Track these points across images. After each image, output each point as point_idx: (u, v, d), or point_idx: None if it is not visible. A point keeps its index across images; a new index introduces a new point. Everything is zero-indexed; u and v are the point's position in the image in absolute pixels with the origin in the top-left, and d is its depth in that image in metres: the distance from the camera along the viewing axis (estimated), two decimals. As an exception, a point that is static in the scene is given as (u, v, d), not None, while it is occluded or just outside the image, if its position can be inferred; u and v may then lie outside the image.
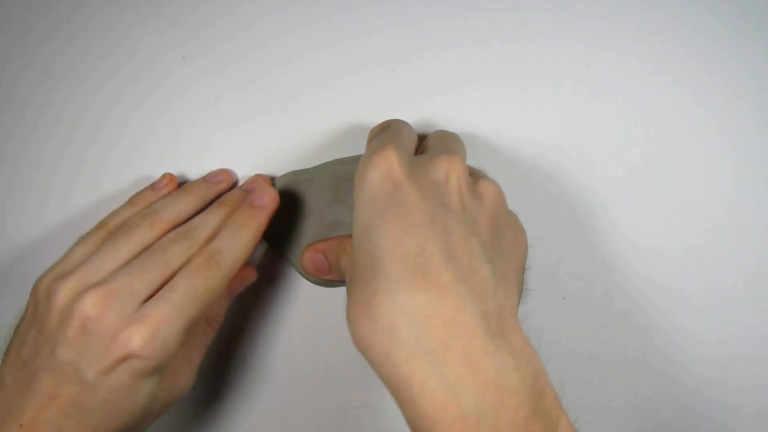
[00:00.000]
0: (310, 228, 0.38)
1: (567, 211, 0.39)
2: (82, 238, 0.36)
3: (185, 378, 0.35)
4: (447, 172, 0.29)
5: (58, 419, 0.31)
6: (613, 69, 0.39)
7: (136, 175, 0.40)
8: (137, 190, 0.40)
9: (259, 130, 0.40)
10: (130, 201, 0.38)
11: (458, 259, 0.27)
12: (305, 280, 0.40)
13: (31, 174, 0.41)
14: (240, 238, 0.34)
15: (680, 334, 0.40)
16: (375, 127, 0.35)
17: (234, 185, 0.40)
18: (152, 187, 0.39)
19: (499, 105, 0.39)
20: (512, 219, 0.32)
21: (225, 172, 0.40)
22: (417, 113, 0.39)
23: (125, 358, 0.30)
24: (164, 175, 0.39)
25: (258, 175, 0.39)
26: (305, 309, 0.40)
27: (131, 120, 0.40)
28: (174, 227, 0.35)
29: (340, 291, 0.40)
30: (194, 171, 0.40)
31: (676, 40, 0.39)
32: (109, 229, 0.36)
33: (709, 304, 0.39)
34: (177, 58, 0.40)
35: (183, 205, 0.36)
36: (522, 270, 0.31)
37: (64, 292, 0.31)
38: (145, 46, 0.40)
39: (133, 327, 0.30)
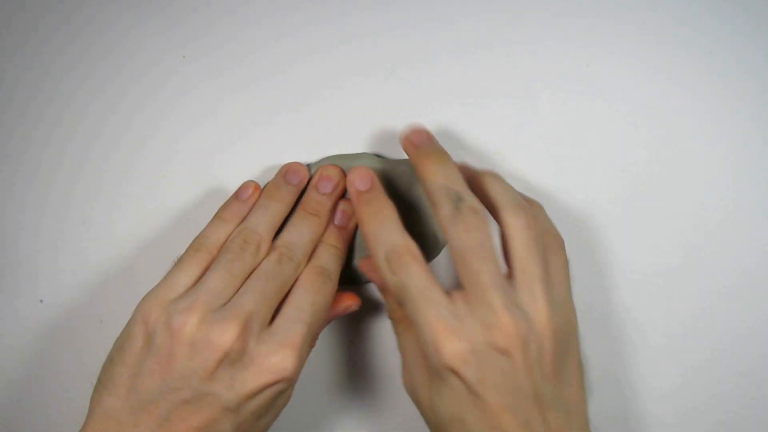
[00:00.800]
0: None
1: (567, 211, 0.39)
2: (181, 261, 0.35)
3: (287, 396, 0.36)
4: (506, 349, 0.31)
5: None
6: (614, 69, 0.39)
7: (138, 176, 0.40)
8: (139, 193, 0.40)
9: (261, 131, 0.40)
10: (220, 216, 0.37)
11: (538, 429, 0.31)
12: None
13: (32, 175, 0.41)
14: (337, 255, 0.36)
15: (681, 333, 0.40)
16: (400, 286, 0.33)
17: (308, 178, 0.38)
18: (237, 198, 0.38)
19: (498, 104, 0.39)
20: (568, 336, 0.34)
21: (301, 168, 0.38)
22: (416, 114, 0.39)
23: (274, 383, 0.32)
24: (247, 184, 0.38)
25: (331, 169, 0.38)
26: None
27: (133, 121, 0.40)
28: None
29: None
30: (196, 171, 0.40)
31: (676, 41, 0.39)
32: (210, 251, 0.35)
33: (710, 304, 0.39)
34: (177, 59, 0.40)
35: (275, 218, 0.36)
36: (581, 365, 0.34)
37: (191, 325, 0.31)
38: (145, 47, 0.40)
39: (282, 353, 0.32)
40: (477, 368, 0.31)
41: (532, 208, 0.34)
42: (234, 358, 0.31)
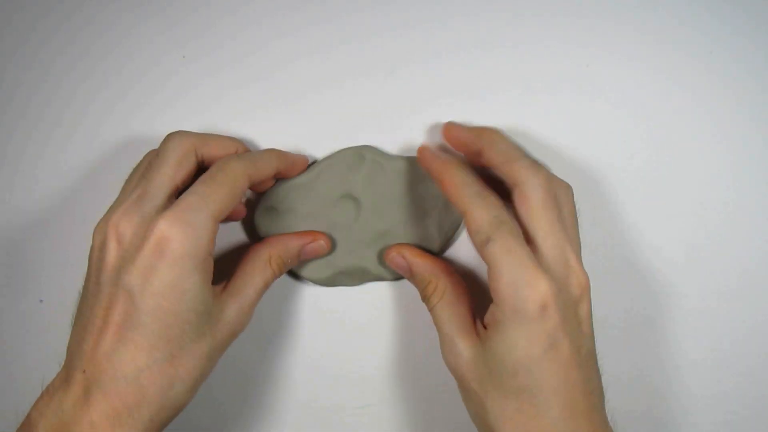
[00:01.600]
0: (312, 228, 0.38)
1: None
2: None
3: (241, 306, 0.35)
4: (580, 297, 0.33)
5: (115, 348, 0.31)
6: (614, 69, 0.39)
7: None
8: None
9: (260, 130, 0.40)
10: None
11: (595, 391, 0.33)
12: (305, 280, 0.40)
13: (32, 175, 0.41)
14: (263, 153, 0.37)
15: (681, 333, 0.40)
16: (465, 191, 0.34)
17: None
18: None
19: (497, 105, 0.39)
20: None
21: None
22: (416, 115, 0.39)
23: (160, 251, 0.31)
24: None
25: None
26: (305, 309, 0.41)
27: (132, 121, 0.40)
28: None
29: (341, 291, 0.40)
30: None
31: (676, 41, 0.39)
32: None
33: (710, 304, 0.39)
34: (178, 58, 0.40)
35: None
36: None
37: (101, 226, 0.33)
38: (145, 46, 0.40)
39: (160, 220, 0.31)
40: (562, 310, 0.31)
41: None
42: (124, 242, 0.32)
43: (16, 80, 0.41)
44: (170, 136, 0.35)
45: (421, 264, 0.37)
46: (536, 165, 0.34)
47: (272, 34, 0.40)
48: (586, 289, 0.33)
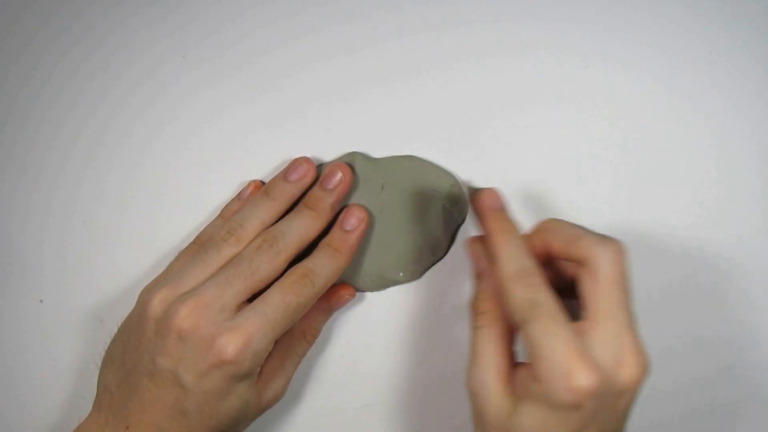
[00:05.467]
0: None
1: (565, 213, 0.39)
2: (180, 253, 0.38)
3: (279, 386, 0.37)
4: (625, 390, 0.30)
5: (160, 421, 0.33)
6: (613, 70, 0.39)
7: (139, 179, 0.40)
8: (144, 199, 0.40)
9: (269, 139, 0.40)
10: (220, 214, 0.39)
11: None
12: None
13: (34, 177, 0.41)
14: (333, 261, 0.36)
15: (680, 334, 0.40)
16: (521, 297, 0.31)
17: (317, 176, 0.38)
18: (238, 197, 0.39)
19: (498, 107, 0.39)
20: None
21: (305, 163, 0.38)
22: (416, 119, 0.39)
23: (219, 365, 0.33)
24: (249, 184, 0.39)
25: (337, 166, 0.38)
26: (305, 309, 0.41)
27: (135, 125, 0.40)
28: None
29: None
30: (197, 174, 0.40)
31: (675, 41, 0.39)
32: (202, 243, 0.38)
33: (709, 305, 0.39)
34: (180, 63, 0.40)
35: (266, 214, 0.37)
36: None
37: (155, 303, 0.34)
38: (149, 53, 0.40)
39: (227, 336, 0.33)
40: (599, 403, 0.29)
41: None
42: (187, 339, 0.33)
43: (20, 84, 0.41)
44: (245, 222, 0.36)
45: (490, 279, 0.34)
46: (605, 238, 0.31)
47: (275, 40, 0.40)
48: (636, 382, 0.30)
